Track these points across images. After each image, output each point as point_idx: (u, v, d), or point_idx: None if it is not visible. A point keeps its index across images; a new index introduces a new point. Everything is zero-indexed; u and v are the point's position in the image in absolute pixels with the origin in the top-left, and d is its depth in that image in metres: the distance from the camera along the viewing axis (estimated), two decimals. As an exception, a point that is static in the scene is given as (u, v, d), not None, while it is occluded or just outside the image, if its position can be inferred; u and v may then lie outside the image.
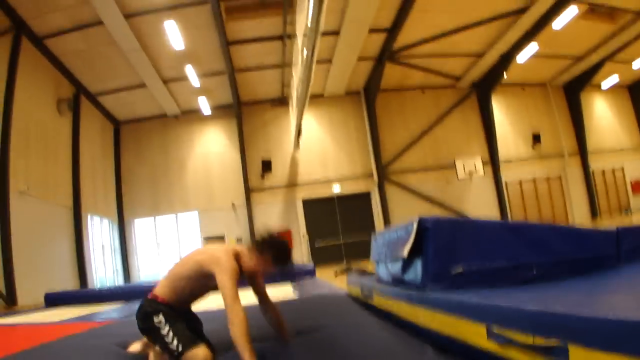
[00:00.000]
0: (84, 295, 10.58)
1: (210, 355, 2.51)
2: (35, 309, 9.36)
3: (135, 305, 6.56)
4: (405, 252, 2.52)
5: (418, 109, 21.58)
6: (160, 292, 2.77)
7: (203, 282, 2.73)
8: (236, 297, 2.51)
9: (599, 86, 24.43)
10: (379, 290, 3.31)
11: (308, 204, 20.53)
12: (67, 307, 9.22)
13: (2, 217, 11.81)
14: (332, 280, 9.50)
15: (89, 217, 17.32)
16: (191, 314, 2.97)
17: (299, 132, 18.87)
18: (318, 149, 20.87)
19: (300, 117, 16.69)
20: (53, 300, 10.09)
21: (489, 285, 2.23)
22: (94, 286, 16.78)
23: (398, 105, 21.43)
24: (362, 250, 19.98)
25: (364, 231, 20.22)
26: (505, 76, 20.80)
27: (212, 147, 20.67)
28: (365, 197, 20.81)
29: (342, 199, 20.57)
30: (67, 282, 15.00)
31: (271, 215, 20.27)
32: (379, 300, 3.35)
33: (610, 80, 24.22)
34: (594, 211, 23.43)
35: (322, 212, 20.50)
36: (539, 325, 1.57)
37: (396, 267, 2.82)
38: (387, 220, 20.37)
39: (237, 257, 2.74)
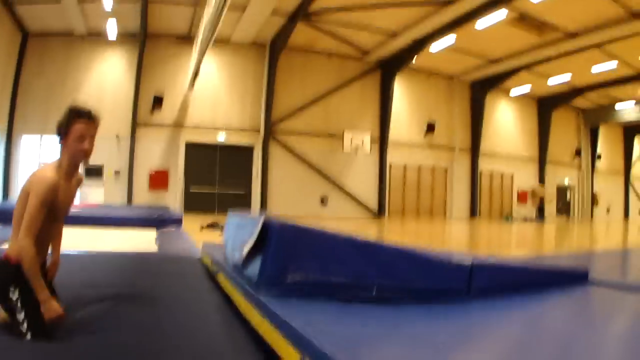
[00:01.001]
0: None
1: None
2: None
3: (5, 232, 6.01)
4: (245, 251, 2.51)
5: (320, 74, 21.82)
6: (11, 248, 2.33)
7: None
8: (30, 228, 2.22)
9: (508, 91, 25.13)
10: (224, 271, 3.20)
11: (191, 148, 20.71)
12: None
13: None
14: (197, 235, 9.39)
15: None
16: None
17: (196, 73, 18.80)
18: (211, 94, 20.93)
19: (200, 57, 16.72)
20: None
21: (325, 298, 2.20)
22: None
23: (301, 66, 21.65)
24: (235, 203, 20.33)
25: (241, 184, 20.52)
26: (413, 61, 21.14)
27: (109, 73, 20.27)
28: (248, 150, 21.12)
29: (225, 148, 20.77)
30: None
31: (153, 152, 20.30)
32: (223, 281, 3.23)
33: (521, 89, 24.99)
34: (473, 211, 24.27)
35: (203, 158, 20.72)
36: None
37: (237, 257, 2.74)
38: (264, 177, 20.68)
39: (56, 170, 2.37)
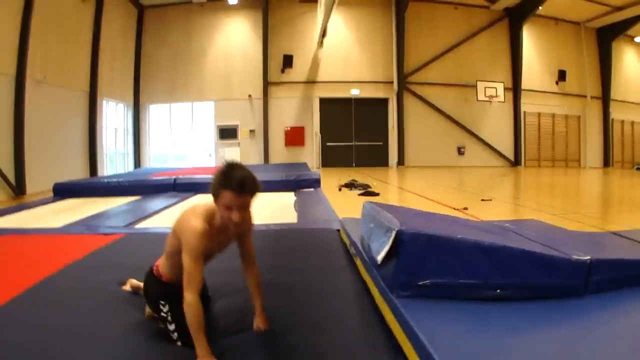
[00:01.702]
0: (94, 187, 10.25)
1: None
2: (43, 201, 9.11)
3: (143, 204, 6.57)
4: (380, 258, 2.63)
5: (448, 24, 21.20)
6: (162, 268, 2.49)
7: None
8: (191, 283, 2.13)
9: (633, 38, 24.01)
10: (362, 258, 3.32)
11: (324, 103, 20.47)
12: (75, 200, 9.08)
13: (16, 107, 11.69)
14: (335, 196, 9.31)
15: (104, 101, 17.26)
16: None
17: (324, 32, 18.65)
18: (341, 50, 20.60)
19: (327, 16, 16.43)
20: (62, 191, 9.85)
21: (453, 298, 2.38)
22: (104, 171, 16.86)
23: (428, 17, 21.08)
24: (373, 156, 20.07)
25: (377, 137, 20.24)
26: (540, 8, 20.42)
27: (234, 37, 20.43)
28: (382, 102, 20.71)
29: (359, 101, 20.47)
30: (78, 169, 15.06)
31: (286, 110, 20.29)
32: (360, 266, 3.40)
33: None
34: (606, 160, 23.24)
35: (337, 113, 20.48)
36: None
37: (373, 256, 2.84)
38: (400, 129, 20.26)
39: (210, 219, 2.25)
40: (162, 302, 2.38)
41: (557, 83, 22.33)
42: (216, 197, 2.15)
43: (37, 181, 12.12)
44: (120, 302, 2.87)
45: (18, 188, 11.69)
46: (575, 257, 2.56)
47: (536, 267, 2.47)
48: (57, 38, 13.90)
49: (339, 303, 2.88)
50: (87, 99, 15.79)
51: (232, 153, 19.92)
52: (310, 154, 20.12)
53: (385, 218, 2.76)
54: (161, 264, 2.50)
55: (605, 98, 23.19)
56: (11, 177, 11.52)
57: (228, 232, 2.31)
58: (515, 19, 21.42)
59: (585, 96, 22.68)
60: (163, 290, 2.43)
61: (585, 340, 2.02)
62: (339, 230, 4.94)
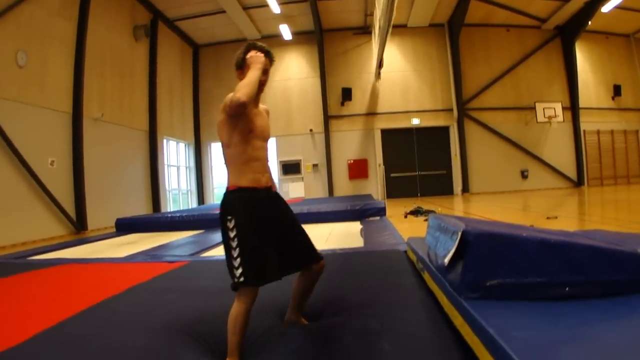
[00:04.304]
0: (156, 221, 10.34)
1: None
2: (105, 236, 9.24)
3: (204, 239, 6.74)
4: (447, 260, 2.66)
5: (501, 47, 21.11)
6: (229, 179, 2.53)
7: (242, 127, 2.52)
8: (244, 87, 2.43)
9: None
10: (429, 270, 3.33)
11: (386, 134, 20.45)
12: (138, 235, 9.15)
13: (75, 144, 11.94)
14: (401, 223, 9.31)
15: (164, 140, 17.57)
16: (275, 199, 2.67)
17: (380, 63, 18.82)
18: (399, 80, 20.64)
19: (382, 47, 16.50)
20: (124, 226, 10.02)
21: (521, 298, 2.36)
22: (167, 208, 17.06)
23: (481, 41, 21.02)
24: (436, 184, 20.20)
25: (440, 165, 20.35)
26: (589, 23, 20.37)
27: (291, 72, 20.66)
28: (443, 130, 20.65)
29: (420, 131, 20.47)
30: (140, 206, 15.30)
31: (348, 143, 20.40)
32: (428, 279, 3.41)
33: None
34: (668, 172, 23.05)
35: (399, 143, 20.46)
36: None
37: (440, 262, 2.88)
38: (463, 156, 20.32)
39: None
40: (230, 217, 2.39)
41: (613, 98, 22.22)
42: (243, 65, 2.61)
43: (99, 217, 12.33)
44: (182, 323, 2.76)
45: (79, 224, 11.85)
46: (644, 250, 2.48)
47: (604, 263, 2.45)
48: (113, 76, 14.19)
49: (407, 313, 2.90)
50: (147, 138, 16.08)
51: (297, 188, 20.22)
52: (374, 186, 20.26)
53: (450, 223, 2.82)
54: (230, 175, 2.53)
55: (661, 108, 23.00)
56: (72, 213, 11.69)
57: (260, 110, 2.70)
58: (567, 37, 21.31)
59: (641, 109, 22.55)
60: (231, 201, 2.45)
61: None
62: (405, 252, 4.97)
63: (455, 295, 2.49)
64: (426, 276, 3.49)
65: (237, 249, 2.32)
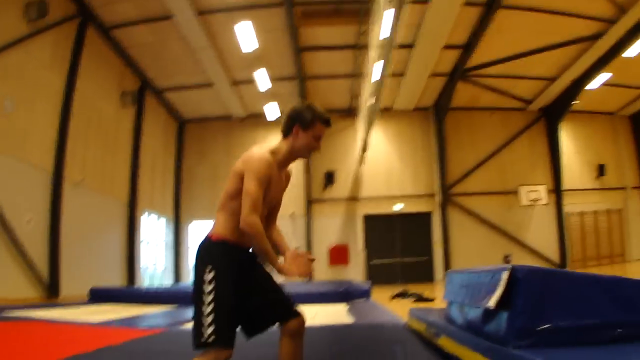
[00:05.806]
0: (131, 294, 10.36)
1: None
2: (78, 302, 9.21)
3: (181, 313, 6.20)
4: (493, 302, 2.40)
5: (487, 130, 21.16)
6: (221, 226, 2.38)
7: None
8: (253, 206, 2.22)
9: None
10: (451, 333, 3.14)
11: (368, 219, 20.34)
12: (112, 305, 9.09)
13: (54, 205, 11.73)
14: (388, 304, 9.19)
15: (145, 213, 17.35)
16: (253, 259, 2.56)
17: (364, 148, 18.76)
18: (383, 164, 20.65)
19: (368, 131, 16.54)
20: (98, 295, 9.96)
21: (574, 343, 2.17)
22: (142, 283, 16.76)
23: (467, 125, 21.07)
24: (418, 272, 19.93)
25: (422, 252, 20.14)
26: (576, 101, 20.33)
27: (274, 153, 20.58)
28: (426, 216, 20.53)
29: (402, 217, 20.19)
30: (115, 278, 14.98)
31: (330, 228, 20.22)
32: (448, 344, 3.18)
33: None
34: (652, 248, 22.86)
35: (381, 229, 20.23)
36: None
37: (475, 314, 2.72)
38: (446, 242, 20.13)
39: (273, 152, 2.47)
40: (210, 267, 2.24)
41: (597, 178, 22.14)
42: (307, 129, 2.44)
43: (73, 284, 11.96)
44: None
45: (52, 288, 11.50)
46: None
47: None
48: (97, 140, 14.12)
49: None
50: (126, 210, 15.86)
51: (274, 273, 19.88)
52: (354, 272, 19.90)
53: (486, 268, 2.65)
54: (219, 224, 2.38)
55: (645, 184, 22.87)
56: (45, 277, 11.35)
57: (282, 177, 2.61)
58: (551, 118, 21.35)
59: (625, 188, 22.45)
60: (212, 251, 2.31)
61: None
62: (404, 325, 4.83)
63: (499, 347, 2.28)
64: (443, 340, 3.24)
65: (212, 304, 2.15)
